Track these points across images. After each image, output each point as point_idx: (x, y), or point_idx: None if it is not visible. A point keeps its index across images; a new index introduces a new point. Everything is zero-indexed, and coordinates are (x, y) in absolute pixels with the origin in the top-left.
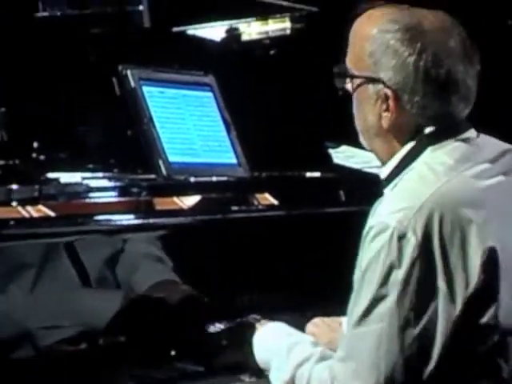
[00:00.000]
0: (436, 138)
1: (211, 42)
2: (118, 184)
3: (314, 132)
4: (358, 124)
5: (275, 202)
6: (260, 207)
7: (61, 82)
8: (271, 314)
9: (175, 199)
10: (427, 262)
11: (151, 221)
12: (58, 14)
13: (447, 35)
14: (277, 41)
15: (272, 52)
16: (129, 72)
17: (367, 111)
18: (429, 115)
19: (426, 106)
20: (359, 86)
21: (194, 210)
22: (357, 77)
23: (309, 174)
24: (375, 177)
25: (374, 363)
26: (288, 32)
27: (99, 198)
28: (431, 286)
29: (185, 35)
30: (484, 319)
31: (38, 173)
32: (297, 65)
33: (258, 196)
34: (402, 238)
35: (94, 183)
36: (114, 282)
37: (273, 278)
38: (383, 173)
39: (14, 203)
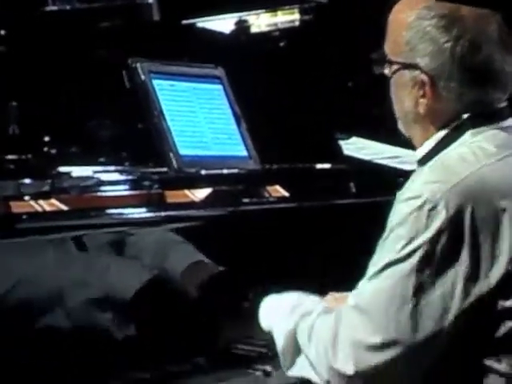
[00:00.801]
0: (475, 124)
1: (220, 34)
2: (129, 177)
3: (323, 123)
4: (396, 109)
5: (286, 194)
6: (271, 199)
7: (71, 76)
8: None
9: (186, 192)
10: (454, 238)
11: (163, 214)
12: (68, 7)
13: (485, 22)
14: (286, 33)
15: (281, 44)
16: (138, 65)
17: (404, 97)
18: (466, 102)
19: (462, 93)
20: (396, 71)
21: (205, 202)
22: (394, 62)
23: (319, 166)
24: (386, 168)
25: (383, 318)
26: (297, 24)
27: (111, 191)
28: (454, 261)
29: (194, 28)
30: (507, 303)
31: (49, 167)
32: (306, 57)
33: (269, 188)
34: (432, 209)
35: (105, 177)
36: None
37: (284, 270)
38: (419, 153)
39: (27, 197)
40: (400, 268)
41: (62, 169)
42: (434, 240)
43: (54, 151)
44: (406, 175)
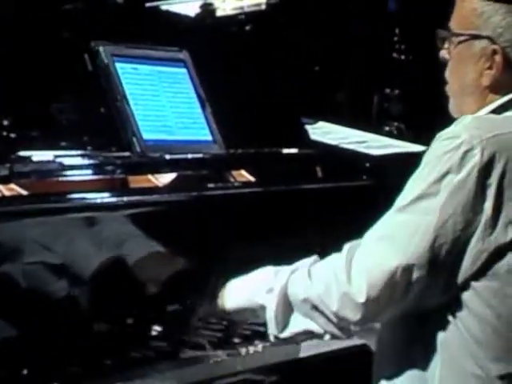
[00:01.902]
0: None
1: (185, 17)
2: (91, 162)
3: (290, 108)
4: (453, 84)
5: (251, 179)
6: (236, 184)
7: (32, 59)
8: None
9: (150, 177)
10: (482, 185)
11: (125, 199)
12: None
13: None
14: (252, 16)
15: (247, 27)
16: (101, 48)
17: (468, 69)
18: None
19: None
20: (461, 43)
21: (169, 187)
22: (462, 35)
23: (285, 151)
24: (352, 153)
25: (405, 244)
26: (263, 7)
27: (73, 176)
28: (476, 207)
29: (158, 10)
30: None
31: (9, 151)
32: (272, 40)
33: (234, 173)
34: (468, 151)
35: (66, 161)
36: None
37: (249, 256)
38: None
39: None
40: (427, 204)
41: (22, 153)
42: (462, 181)
43: (13, 135)
44: (372, 160)
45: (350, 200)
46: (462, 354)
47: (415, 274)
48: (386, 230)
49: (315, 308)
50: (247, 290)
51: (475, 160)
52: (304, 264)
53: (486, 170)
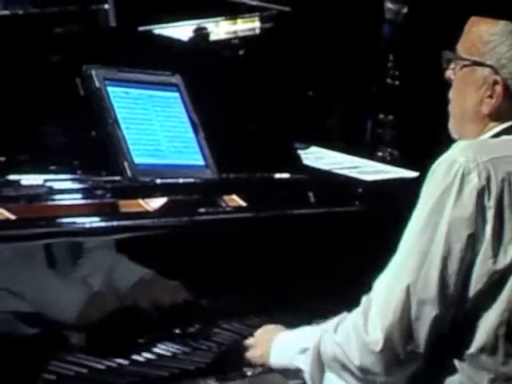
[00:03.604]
0: None
1: (178, 41)
2: (81, 186)
3: (282, 133)
4: (455, 106)
5: (243, 204)
6: (227, 209)
7: (23, 82)
8: (237, 318)
9: (141, 201)
10: (482, 208)
11: (115, 223)
12: (20, 12)
13: None
14: (246, 41)
15: (240, 52)
16: (93, 72)
17: (468, 95)
18: None
19: None
20: (465, 67)
21: (159, 212)
22: (467, 60)
23: (277, 176)
24: (345, 178)
25: (411, 281)
26: (257, 32)
27: (62, 200)
28: (478, 232)
29: (151, 34)
30: None
31: None
32: (266, 65)
33: (226, 198)
34: (465, 175)
35: (56, 185)
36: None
37: (240, 281)
38: None
39: None
40: (430, 236)
41: (11, 177)
42: (462, 206)
43: (2, 158)
44: (364, 185)
45: (342, 225)
46: None
47: (426, 309)
48: (394, 272)
49: (344, 367)
50: (290, 350)
51: (473, 183)
52: (335, 322)
53: (484, 192)
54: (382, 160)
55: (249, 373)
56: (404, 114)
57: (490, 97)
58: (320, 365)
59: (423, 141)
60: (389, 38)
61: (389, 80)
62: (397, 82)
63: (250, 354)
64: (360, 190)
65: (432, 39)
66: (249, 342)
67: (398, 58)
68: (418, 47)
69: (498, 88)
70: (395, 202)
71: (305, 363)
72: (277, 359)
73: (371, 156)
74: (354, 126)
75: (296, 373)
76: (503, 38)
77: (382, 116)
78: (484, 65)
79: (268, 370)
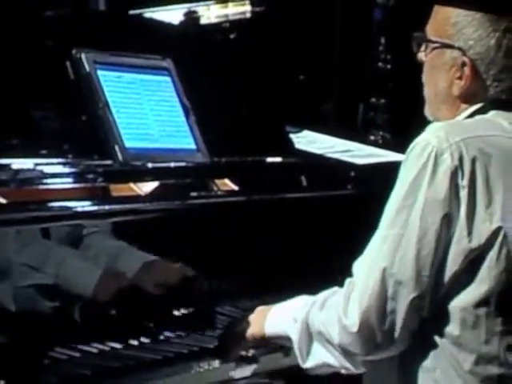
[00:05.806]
0: (502, 106)
1: (169, 25)
2: (72, 170)
3: (274, 116)
4: (427, 90)
5: (235, 188)
6: (219, 193)
7: (13, 66)
8: (229, 301)
9: (132, 185)
10: (456, 188)
11: (106, 207)
12: None
13: None
14: (236, 24)
15: (231, 35)
16: (83, 56)
17: (439, 77)
18: (502, 88)
19: (501, 80)
20: (434, 49)
21: (151, 196)
22: (435, 42)
23: (269, 160)
24: (337, 162)
25: (388, 263)
26: (248, 15)
27: (53, 184)
28: (453, 212)
29: (142, 18)
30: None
31: None
32: (257, 48)
33: (218, 182)
34: (438, 156)
35: (47, 169)
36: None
37: (232, 264)
38: None
39: None
40: (405, 216)
41: (2, 161)
42: (437, 187)
43: None
44: (357, 169)
45: (335, 209)
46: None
47: (402, 290)
48: (372, 250)
49: (328, 341)
50: (283, 318)
51: (446, 164)
52: (324, 295)
53: (457, 172)
54: (374, 143)
55: (250, 353)
56: (396, 98)
57: (460, 78)
58: (308, 336)
59: (415, 124)
60: (380, 21)
61: (380, 64)
62: (388, 66)
63: (248, 332)
64: (352, 173)
65: (423, 23)
66: (244, 321)
67: (390, 41)
68: (409, 31)
69: (467, 69)
70: (388, 186)
71: (293, 333)
72: (271, 329)
73: (363, 139)
74: (346, 110)
75: (290, 340)
76: (469, 18)
77: (374, 99)
78: (453, 47)
79: (271, 349)
